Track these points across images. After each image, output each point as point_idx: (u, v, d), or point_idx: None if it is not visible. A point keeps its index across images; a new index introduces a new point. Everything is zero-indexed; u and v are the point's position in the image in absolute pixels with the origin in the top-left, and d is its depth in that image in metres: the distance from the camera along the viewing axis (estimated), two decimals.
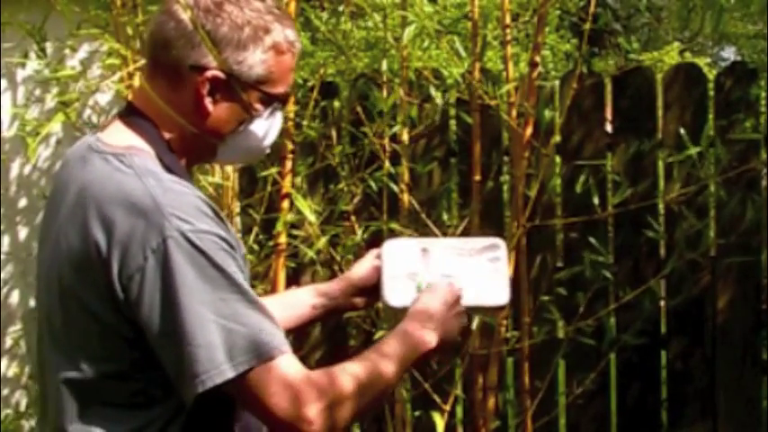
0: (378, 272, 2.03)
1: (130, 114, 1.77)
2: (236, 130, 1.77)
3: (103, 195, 1.65)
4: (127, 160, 1.68)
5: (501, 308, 2.06)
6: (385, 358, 1.78)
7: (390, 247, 2.06)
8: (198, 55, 1.71)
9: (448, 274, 2.01)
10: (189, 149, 1.77)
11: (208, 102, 1.73)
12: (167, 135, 1.75)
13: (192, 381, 1.61)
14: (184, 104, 1.74)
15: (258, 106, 1.77)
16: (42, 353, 1.79)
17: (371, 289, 2.06)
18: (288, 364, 1.65)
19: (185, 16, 1.71)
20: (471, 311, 2.04)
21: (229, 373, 1.61)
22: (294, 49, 1.78)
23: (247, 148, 1.81)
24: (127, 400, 1.67)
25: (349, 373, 1.71)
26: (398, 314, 1.95)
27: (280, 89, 1.78)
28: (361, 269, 2.10)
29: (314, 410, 1.64)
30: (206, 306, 1.61)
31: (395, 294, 1.98)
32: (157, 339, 1.63)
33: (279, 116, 1.83)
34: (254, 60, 1.73)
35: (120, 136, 1.74)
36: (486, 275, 2.03)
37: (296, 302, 2.08)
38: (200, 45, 1.71)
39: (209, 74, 1.71)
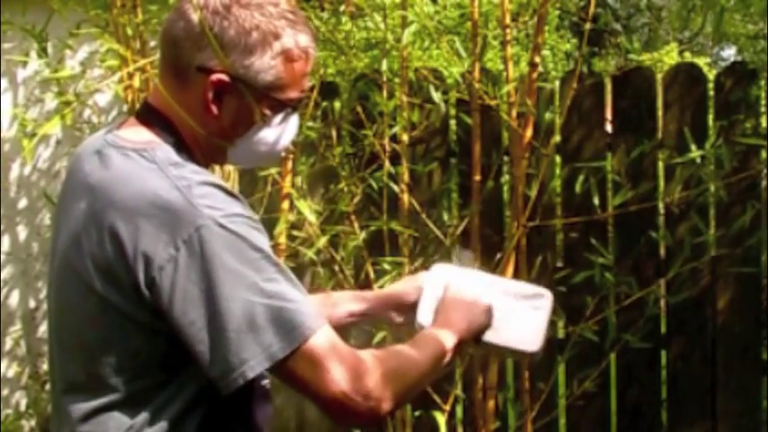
0: (420, 292, 2.05)
1: (147, 113, 1.75)
2: (246, 134, 1.74)
3: (128, 194, 1.62)
4: (149, 155, 1.66)
5: (529, 354, 2.07)
6: (435, 334, 1.86)
7: (437, 271, 2.08)
8: (204, 57, 1.68)
9: None
10: (201, 150, 1.74)
11: (214, 105, 1.70)
12: (182, 134, 1.72)
13: (240, 366, 1.59)
14: (192, 105, 1.71)
15: (268, 112, 1.73)
16: (54, 352, 1.76)
17: (411, 307, 2.07)
18: (337, 340, 1.65)
19: (195, 17, 1.68)
20: (499, 351, 2.06)
21: (280, 354, 1.59)
22: (307, 55, 1.73)
23: (258, 153, 1.78)
24: (145, 392, 1.64)
25: (399, 349, 1.76)
26: None
27: (291, 95, 1.74)
28: (405, 285, 2.11)
29: (374, 381, 1.64)
30: (251, 290, 1.59)
31: (428, 316, 2.00)
32: (192, 330, 1.59)
33: (293, 121, 1.79)
34: (262, 66, 1.69)
35: (139, 133, 1.72)
36: (523, 320, 2.04)
37: (336, 303, 2.07)
38: (207, 47, 1.67)
39: (214, 77, 1.68)
